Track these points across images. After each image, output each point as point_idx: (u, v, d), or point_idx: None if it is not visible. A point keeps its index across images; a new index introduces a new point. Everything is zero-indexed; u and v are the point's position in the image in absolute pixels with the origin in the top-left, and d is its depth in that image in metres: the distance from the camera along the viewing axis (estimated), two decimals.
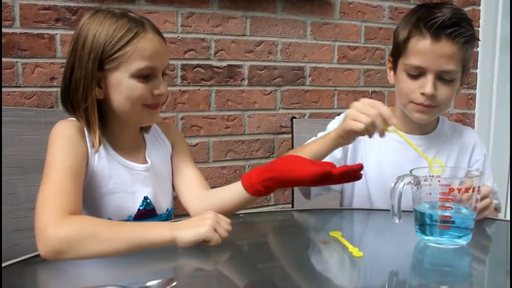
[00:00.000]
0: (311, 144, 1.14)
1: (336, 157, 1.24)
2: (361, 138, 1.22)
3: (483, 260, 0.95)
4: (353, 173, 0.89)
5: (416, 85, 1.17)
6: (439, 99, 1.17)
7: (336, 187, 1.33)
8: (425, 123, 1.27)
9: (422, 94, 1.16)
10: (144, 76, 1.00)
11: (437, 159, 1.16)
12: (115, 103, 1.02)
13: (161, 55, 1.03)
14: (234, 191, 1.00)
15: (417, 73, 1.16)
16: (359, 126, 1.00)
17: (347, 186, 1.33)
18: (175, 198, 1.18)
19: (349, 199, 1.32)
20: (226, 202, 1.02)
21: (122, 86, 1.00)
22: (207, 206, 1.02)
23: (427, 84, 1.14)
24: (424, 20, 1.14)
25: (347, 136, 1.07)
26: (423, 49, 1.14)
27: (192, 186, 1.13)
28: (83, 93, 0.99)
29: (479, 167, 1.28)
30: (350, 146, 1.27)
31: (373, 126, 1.00)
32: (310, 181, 0.88)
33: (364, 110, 1.01)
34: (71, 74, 1.01)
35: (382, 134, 1.01)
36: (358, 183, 1.29)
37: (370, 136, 1.03)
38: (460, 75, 1.19)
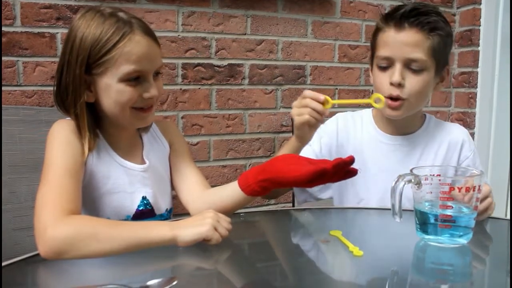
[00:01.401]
0: (280, 151, 1.20)
1: (314, 150, 1.28)
2: (343, 142, 1.29)
3: (483, 259, 0.95)
4: (345, 167, 0.88)
5: (386, 77, 1.18)
6: (407, 89, 1.16)
7: (325, 195, 1.33)
8: (409, 123, 1.27)
9: (391, 84, 1.16)
10: (133, 79, 0.98)
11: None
12: (105, 107, 1.01)
13: (150, 57, 1.00)
14: (231, 191, 1.00)
15: (386, 65, 1.18)
16: (304, 117, 1.07)
17: (336, 192, 1.33)
18: (174, 197, 1.18)
19: (339, 204, 1.32)
20: (224, 201, 1.01)
21: (111, 90, 0.98)
22: (206, 205, 1.01)
23: (394, 72, 1.15)
24: (389, 14, 1.18)
25: (302, 133, 1.11)
26: (388, 39, 1.17)
27: (192, 186, 1.13)
28: (72, 98, 0.98)
29: (469, 164, 1.27)
30: (334, 152, 1.29)
31: (313, 111, 1.06)
32: (306, 181, 0.87)
33: (300, 103, 1.09)
34: (60, 77, 1.00)
35: (324, 113, 1.07)
36: (347, 189, 1.29)
37: (319, 121, 1.08)
38: (435, 68, 1.18)
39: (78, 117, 0.99)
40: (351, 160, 0.88)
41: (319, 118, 1.08)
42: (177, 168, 1.17)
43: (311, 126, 1.09)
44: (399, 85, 1.15)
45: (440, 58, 1.18)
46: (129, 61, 0.96)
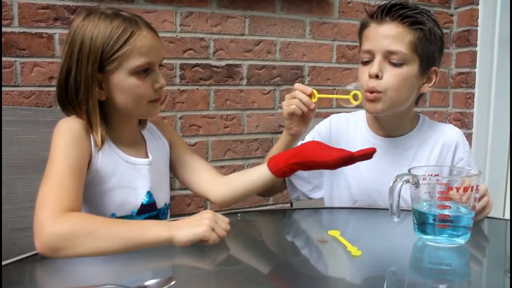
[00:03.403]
0: (274, 146, 1.27)
1: None
2: (336, 143, 1.29)
3: (481, 259, 0.95)
4: (369, 155, 0.97)
5: (366, 70, 1.17)
6: (384, 82, 1.14)
7: (317, 195, 1.34)
8: (399, 124, 1.26)
9: (370, 77, 1.15)
10: (143, 71, 1.02)
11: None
12: (119, 102, 1.03)
13: (157, 49, 1.06)
14: (260, 174, 1.07)
15: (368, 59, 1.18)
16: (291, 107, 1.13)
17: (327, 192, 1.33)
18: (172, 198, 1.18)
19: (329, 205, 1.33)
20: (251, 184, 1.08)
21: (124, 85, 1.01)
22: (232, 189, 1.11)
23: (373, 64, 1.15)
24: (372, 12, 1.20)
25: (290, 124, 1.17)
26: (370, 33, 1.18)
27: (206, 175, 1.17)
28: (84, 96, 1.00)
29: (464, 166, 1.25)
30: None
31: (300, 102, 1.13)
32: (334, 164, 0.98)
33: (290, 95, 1.15)
34: (67, 77, 1.01)
35: (309, 105, 1.13)
36: (339, 191, 1.29)
37: (306, 114, 1.14)
38: (418, 66, 1.16)
39: (90, 114, 1.01)
40: (374, 150, 0.97)
41: (305, 109, 1.13)
42: (184, 162, 1.20)
43: (299, 118, 1.16)
44: (377, 77, 1.14)
45: (423, 55, 1.16)
46: (140, 54, 1.01)
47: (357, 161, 0.98)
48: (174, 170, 1.21)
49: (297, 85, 1.15)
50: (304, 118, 1.16)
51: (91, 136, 1.01)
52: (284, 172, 1.03)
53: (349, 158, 0.96)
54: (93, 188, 1.03)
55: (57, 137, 0.97)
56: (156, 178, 1.12)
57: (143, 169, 1.10)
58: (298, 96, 1.13)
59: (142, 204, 1.08)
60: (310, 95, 1.14)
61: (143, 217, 1.09)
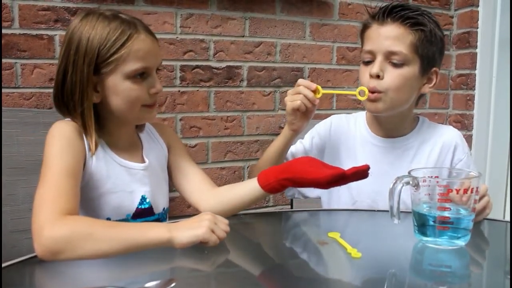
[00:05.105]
0: (273, 142, 1.26)
1: (305, 148, 1.33)
2: (336, 144, 1.30)
3: (481, 261, 0.95)
4: (363, 173, 0.95)
5: (367, 70, 1.18)
6: (386, 83, 1.15)
7: (313, 193, 1.34)
8: (399, 125, 1.26)
9: (370, 77, 1.16)
10: (139, 75, 1.01)
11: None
12: (113, 105, 1.02)
13: (154, 54, 1.04)
14: (250, 188, 1.05)
15: (370, 59, 1.19)
16: (296, 103, 1.13)
17: (324, 192, 1.33)
18: (172, 200, 1.18)
19: (328, 205, 1.33)
20: (241, 198, 1.07)
21: (119, 88, 1.00)
22: (221, 203, 1.08)
23: (374, 64, 1.16)
24: (374, 13, 1.21)
25: (293, 120, 1.17)
26: (371, 33, 1.19)
27: (199, 185, 1.15)
28: (79, 97, 0.99)
29: (463, 167, 1.25)
30: (325, 153, 1.30)
31: (305, 98, 1.13)
32: (326, 182, 0.95)
33: (293, 91, 1.15)
34: (64, 78, 1.01)
35: (314, 101, 1.14)
36: (339, 190, 1.29)
37: (310, 110, 1.15)
38: (419, 66, 1.17)
39: (85, 117, 1.00)
40: (368, 168, 0.95)
41: (309, 105, 1.14)
42: (180, 169, 1.18)
43: (302, 113, 1.15)
44: (378, 77, 1.15)
45: (424, 56, 1.17)
46: (137, 58, 1.00)
47: (350, 181, 0.97)
48: (169, 173, 1.20)
49: (301, 81, 1.15)
50: (307, 114, 1.17)
51: (85, 139, 1.01)
52: (274, 187, 1.02)
53: (342, 177, 0.94)
54: (88, 192, 1.02)
55: (51, 140, 0.97)
56: (153, 183, 1.11)
57: (139, 174, 1.09)
58: (303, 91, 1.13)
59: (137, 208, 1.08)
60: (315, 91, 1.14)
61: (139, 222, 1.08)
